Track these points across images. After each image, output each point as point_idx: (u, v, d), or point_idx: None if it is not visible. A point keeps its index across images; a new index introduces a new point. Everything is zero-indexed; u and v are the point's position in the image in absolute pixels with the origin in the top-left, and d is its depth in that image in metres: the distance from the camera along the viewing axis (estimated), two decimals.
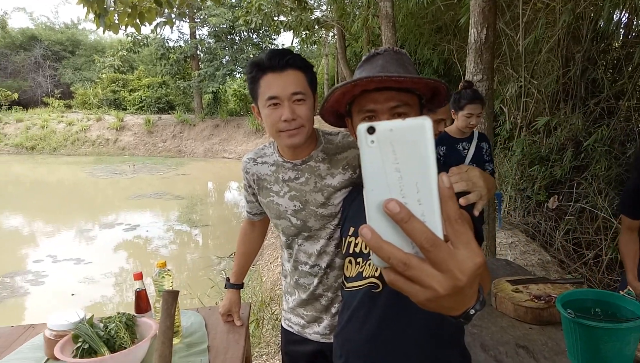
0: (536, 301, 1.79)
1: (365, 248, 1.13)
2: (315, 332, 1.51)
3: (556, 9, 4.63)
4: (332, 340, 1.45)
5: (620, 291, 1.50)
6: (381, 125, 0.43)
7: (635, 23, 4.67)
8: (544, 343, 1.60)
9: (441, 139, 2.60)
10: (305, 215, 1.41)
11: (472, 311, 0.50)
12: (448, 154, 2.60)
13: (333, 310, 1.48)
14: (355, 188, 1.37)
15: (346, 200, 1.36)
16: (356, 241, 1.17)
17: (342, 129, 1.31)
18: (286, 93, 1.25)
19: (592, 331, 1.34)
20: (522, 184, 5.27)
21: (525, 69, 5.34)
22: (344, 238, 1.24)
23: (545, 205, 4.81)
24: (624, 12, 4.66)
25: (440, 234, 0.43)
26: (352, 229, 1.21)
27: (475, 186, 0.96)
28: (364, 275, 1.11)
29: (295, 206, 1.42)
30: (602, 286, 3.70)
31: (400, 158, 0.43)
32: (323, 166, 1.39)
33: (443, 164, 2.48)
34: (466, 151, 2.63)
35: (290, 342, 1.59)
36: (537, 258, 3.86)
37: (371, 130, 0.43)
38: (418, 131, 0.42)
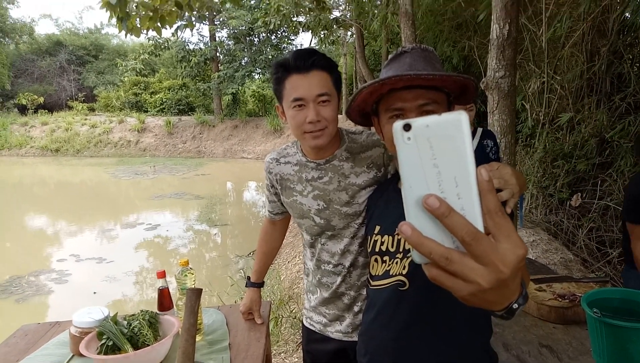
0: (560, 300, 1.76)
1: (392, 247, 1.12)
2: (338, 331, 1.51)
3: (581, 3, 4.52)
4: (354, 339, 1.45)
5: None
6: (417, 121, 0.44)
7: None
8: (568, 343, 1.57)
9: None
10: (329, 214, 1.41)
11: (516, 306, 0.50)
12: None
13: (355, 309, 1.48)
14: (380, 186, 1.36)
15: (371, 199, 1.35)
16: (382, 240, 1.16)
17: (367, 128, 1.32)
18: (312, 95, 1.25)
19: (619, 331, 1.31)
20: (544, 182, 5.17)
21: (548, 65, 5.24)
22: (369, 237, 1.23)
23: (568, 203, 4.71)
24: None
25: (480, 227, 0.42)
26: (378, 227, 1.20)
27: (507, 183, 0.94)
28: (391, 273, 1.11)
29: (319, 205, 1.42)
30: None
31: (437, 153, 0.43)
32: (347, 165, 1.39)
33: None
34: None
35: (312, 340, 1.59)
36: (559, 257, 3.79)
37: (407, 127, 0.44)
38: (455, 126, 0.43)
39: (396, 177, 1.22)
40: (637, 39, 4.81)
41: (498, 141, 3.10)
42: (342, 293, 1.48)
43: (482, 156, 2.56)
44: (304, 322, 1.64)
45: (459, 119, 0.42)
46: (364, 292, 1.47)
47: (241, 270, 6.01)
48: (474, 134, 2.59)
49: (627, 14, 4.57)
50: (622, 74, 4.63)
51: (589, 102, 4.85)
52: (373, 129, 1.24)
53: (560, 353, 1.51)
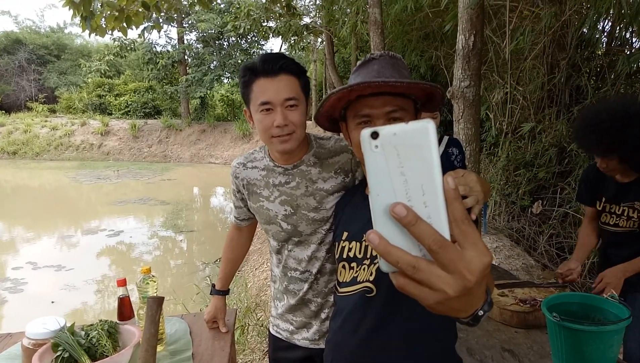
0: (522, 305, 1.80)
1: (360, 253, 1.12)
2: (305, 338, 1.49)
3: (542, 17, 4.70)
4: (320, 346, 1.44)
5: (604, 295, 1.51)
6: (385, 129, 0.43)
7: (617, 31, 4.76)
8: (529, 347, 1.61)
9: None
10: (296, 220, 1.40)
11: (481, 313, 0.50)
12: None
13: (322, 316, 1.47)
14: (348, 192, 1.35)
15: (338, 205, 1.35)
16: (350, 246, 1.15)
17: (335, 133, 1.32)
18: (279, 99, 1.24)
19: (577, 334, 1.34)
20: (507, 190, 5.32)
21: (511, 76, 5.41)
22: (337, 243, 1.22)
23: (529, 210, 4.87)
24: (607, 20, 4.76)
25: (447, 235, 0.43)
26: (345, 233, 1.19)
27: (473, 190, 0.95)
28: (358, 280, 1.10)
29: (286, 210, 1.40)
30: (585, 289, 3.73)
31: (404, 161, 0.43)
32: (315, 171, 1.38)
33: None
34: None
35: (279, 348, 1.57)
36: (521, 263, 3.90)
37: (375, 135, 0.43)
38: (422, 134, 0.43)
39: (364, 183, 1.22)
40: (593, 53, 5.03)
41: (463, 149, 3.15)
42: (309, 300, 1.47)
43: (448, 163, 2.55)
44: (271, 330, 1.61)
45: (426, 128, 0.43)
46: (331, 299, 1.46)
47: (207, 278, 5.90)
48: (440, 142, 2.60)
49: (584, 30, 4.78)
50: (580, 87, 4.83)
51: (550, 113, 5.04)
52: (341, 135, 1.24)
53: (522, 357, 1.55)
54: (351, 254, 1.14)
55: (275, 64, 1.24)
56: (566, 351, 1.39)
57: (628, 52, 4.48)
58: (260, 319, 3.99)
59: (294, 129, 1.27)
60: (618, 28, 4.69)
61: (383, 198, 0.44)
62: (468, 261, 0.42)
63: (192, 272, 6.28)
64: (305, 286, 1.45)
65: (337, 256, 1.21)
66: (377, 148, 0.44)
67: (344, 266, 1.16)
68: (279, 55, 1.27)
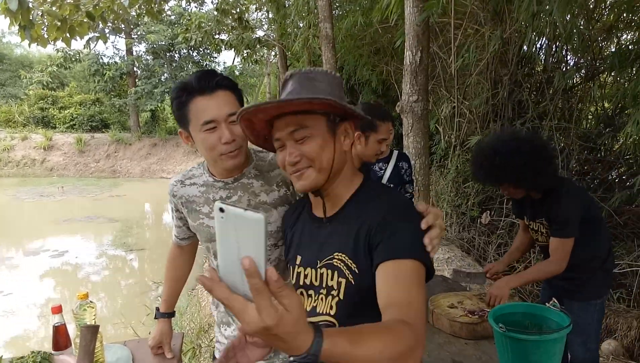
0: (470, 316, 1.83)
1: (316, 280, 1.08)
2: (267, 359, 1.44)
3: (485, 35, 4.92)
4: None
5: (546, 303, 1.56)
6: (229, 209, 0.58)
7: (554, 49, 5.05)
8: (479, 358, 1.63)
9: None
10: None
11: (310, 358, 0.63)
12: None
13: None
14: (293, 208, 1.31)
15: (286, 222, 1.29)
16: (305, 272, 1.12)
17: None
18: (222, 115, 1.22)
19: (521, 344, 1.38)
20: (457, 201, 5.48)
21: (457, 91, 5.61)
22: (291, 267, 1.17)
23: (478, 221, 5.02)
24: (544, 38, 5.04)
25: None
26: (299, 258, 1.15)
27: (436, 223, 1.00)
28: (317, 311, 1.06)
29: None
30: (532, 297, 3.88)
31: (240, 236, 0.58)
32: (257, 183, 1.37)
33: None
34: (383, 171, 2.56)
35: None
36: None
37: (222, 210, 0.59)
38: (256, 223, 0.56)
39: (308, 202, 1.19)
40: (533, 69, 5.31)
41: (413, 162, 3.22)
42: None
43: (398, 177, 2.60)
44: (217, 357, 1.55)
45: (259, 220, 0.56)
46: None
47: (159, 297, 5.68)
48: (390, 157, 2.64)
49: (525, 47, 5.04)
50: (521, 101, 5.07)
51: (495, 126, 5.25)
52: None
53: None
54: (307, 281, 1.11)
55: (211, 81, 1.22)
56: (513, 360, 1.42)
57: (564, 69, 4.76)
58: (213, 340, 3.86)
59: (241, 144, 1.27)
60: (554, 46, 4.98)
61: (224, 252, 0.61)
62: (252, 315, 0.58)
63: (143, 292, 6.03)
64: None
65: (293, 282, 1.16)
66: (223, 219, 0.59)
67: (301, 293, 1.12)
68: (213, 71, 1.25)
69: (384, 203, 1.02)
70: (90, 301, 1.48)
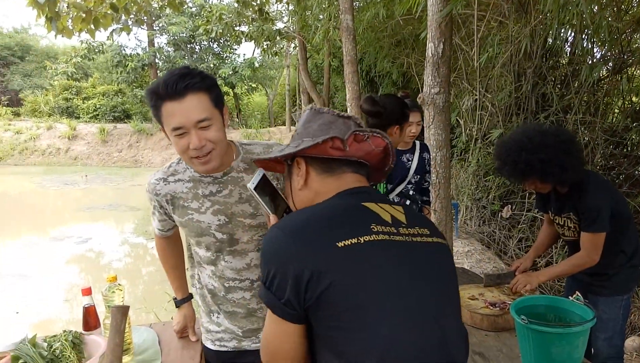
0: (491, 308, 1.83)
1: None
2: (256, 343, 1.47)
3: (509, 26, 4.84)
4: None
5: (569, 297, 1.55)
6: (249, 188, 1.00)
7: (579, 42, 4.94)
8: (499, 349, 1.64)
9: None
10: (231, 228, 1.36)
11: None
12: (394, 167, 2.63)
13: None
14: None
15: None
16: None
17: (260, 141, 1.48)
18: (191, 121, 1.18)
19: (544, 336, 1.38)
20: (477, 194, 5.43)
21: (480, 83, 5.54)
22: None
23: (499, 214, 4.97)
24: (570, 31, 4.93)
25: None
26: None
27: None
28: None
29: (219, 220, 1.36)
30: (553, 292, 3.84)
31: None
32: (247, 177, 1.35)
33: (388, 176, 2.54)
34: (410, 162, 2.68)
35: (225, 360, 1.52)
36: (492, 266, 3.97)
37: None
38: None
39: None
40: (558, 62, 5.20)
41: (434, 154, 3.24)
42: (253, 309, 1.44)
43: (421, 167, 2.72)
44: (210, 346, 1.54)
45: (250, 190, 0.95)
46: None
47: None
48: (414, 148, 2.75)
49: (549, 40, 4.94)
50: (545, 94, 4.98)
51: (517, 120, 5.17)
52: (267, 140, 1.26)
53: (492, 360, 1.57)
54: None
55: (179, 85, 1.15)
56: (534, 352, 1.41)
57: (590, 62, 4.65)
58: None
59: (212, 147, 1.22)
60: (581, 38, 4.86)
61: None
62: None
63: (164, 279, 6.08)
64: (248, 294, 1.42)
65: None
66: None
67: None
68: (183, 73, 1.18)
69: None
70: (119, 284, 1.53)
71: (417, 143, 2.76)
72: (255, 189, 0.98)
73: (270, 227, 0.90)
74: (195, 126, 1.19)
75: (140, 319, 4.58)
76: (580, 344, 1.40)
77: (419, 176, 2.69)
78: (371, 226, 0.84)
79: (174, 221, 1.47)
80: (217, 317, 1.50)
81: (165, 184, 1.38)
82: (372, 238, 0.82)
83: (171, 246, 1.62)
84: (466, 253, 4.18)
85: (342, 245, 0.79)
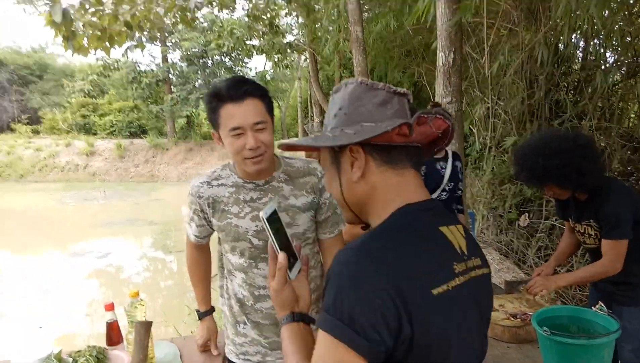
0: (512, 319, 1.81)
1: None
2: (280, 359, 1.48)
3: (519, 34, 4.82)
4: None
5: (592, 307, 1.53)
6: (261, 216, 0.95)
7: (591, 47, 4.90)
8: (522, 361, 1.62)
9: None
10: (267, 235, 1.39)
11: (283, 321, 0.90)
12: (428, 173, 2.69)
13: None
14: None
15: None
16: None
17: (300, 157, 1.52)
18: (248, 123, 1.29)
19: (568, 347, 1.36)
20: (493, 203, 5.37)
21: (492, 91, 5.51)
22: None
23: (516, 223, 4.92)
24: (580, 36, 4.90)
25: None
26: None
27: None
28: None
29: (257, 226, 1.41)
30: (575, 302, 3.77)
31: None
32: (287, 188, 1.43)
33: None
34: (444, 170, 2.74)
35: None
36: (510, 276, 3.92)
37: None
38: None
39: None
40: (570, 68, 5.16)
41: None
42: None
43: (455, 176, 2.78)
44: (234, 360, 1.56)
45: (263, 219, 0.94)
46: None
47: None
48: (446, 156, 2.80)
49: (560, 46, 4.91)
50: (559, 101, 4.94)
51: (531, 127, 5.13)
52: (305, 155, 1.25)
53: None
54: None
55: (240, 89, 1.28)
56: None
57: (603, 67, 4.61)
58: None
59: (265, 150, 1.33)
60: (592, 44, 4.83)
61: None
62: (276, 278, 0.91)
63: (182, 293, 6.19)
64: None
65: None
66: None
67: None
68: (243, 79, 1.33)
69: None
70: (141, 299, 1.56)
71: (450, 151, 2.82)
72: (267, 219, 0.92)
73: (347, 251, 0.75)
74: (252, 127, 1.30)
75: (160, 332, 4.61)
76: (605, 356, 1.38)
77: (452, 184, 2.76)
78: (454, 267, 0.78)
79: (210, 228, 1.53)
80: (244, 328, 1.52)
81: (208, 188, 1.45)
82: (456, 282, 0.77)
83: (203, 256, 1.68)
84: None
85: (437, 293, 0.73)
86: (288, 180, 1.44)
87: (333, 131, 0.85)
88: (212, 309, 1.71)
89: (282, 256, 0.90)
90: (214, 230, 1.54)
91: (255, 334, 1.50)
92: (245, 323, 1.51)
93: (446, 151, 2.80)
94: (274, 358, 1.49)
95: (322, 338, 0.71)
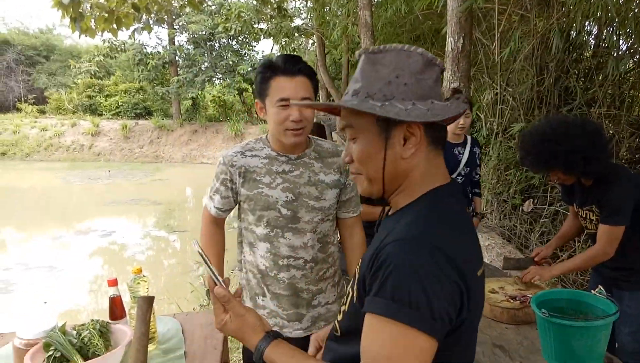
0: (511, 301, 1.82)
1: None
2: (298, 329, 1.52)
3: (530, 20, 4.75)
4: (314, 332, 1.49)
5: (592, 291, 1.54)
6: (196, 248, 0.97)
7: (604, 34, 4.82)
8: (520, 343, 1.63)
9: None
10: (296, 206, 1.47)
11: (260, 347, 0.88)
12: (445, 158, 2.68)
13: (314, 303, 1.51)
14: None
15: None
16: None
17: (329, 141, 1.62)
18: (297, 97, 1.38)
19: (565, 329, 1.37)
20: (498, 188, 5.36)
21: (500, 77, 5.45)
22: None
23: (520, 208, 4.91)
24: (593, 23, 4.82)
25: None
26: None
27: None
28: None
29: (287, 197, 1.47)
30: (576, 286, 3.78)
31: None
32: (317, 164, 1.52)
33: None
34: (461, 155, 2.80)
35: None
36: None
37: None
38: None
39: None
40: (581, 55, 5.09)
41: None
42: (300, 289, 1.51)
43: (472, 161, 2.84)
44: None
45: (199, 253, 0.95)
46: (323, 286, 1.53)
47: (201, 277, 5.88)
48: (465, 142, 2.85)
49: (572, 32, 4.83)
50: (568, 88, 4.88)
51: (539, 114, 5.08)
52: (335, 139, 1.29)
53: (512, 353, 1.57)
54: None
55: (295, 65, 1.39)
56: (555, 346, 1.41)
57: (615, 55, 4.54)
58: None
59: (306, 124, 1.43)
60: (605, 31, 4.75)
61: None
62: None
63: (185, 272, 6.25)
64: (298, 273, 1.49)
65: None
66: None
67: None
68: (298, 58, 1.43)
69: (395, 231, 0.78)
70: (144, 275, 1.57)
71: (469, 137, 2.87)
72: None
73: (407, 242, 0.73)
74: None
75: (163, 309, 4.68)
76: (602, 338, 1.39)
77: (468, 169, 2.82)
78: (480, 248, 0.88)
79: (234, 201, 1.57)
80: (262, 300, 1.56)
81: (242, 157, 1.51)
82: (482, 270, 0.85)
83: (219, 232, 1.69)
84: (486, 247, 4.14)
85: (479, 274, 0.81)
86: (318, 158, 1.53)
87: (391, 101, 0.78)
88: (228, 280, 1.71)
89: (220, 289, 0.93)
90: (236, 204, 1.59)
91: (274, 305, 1.54)
92: (264, 295, 1.56)
93: (465, 137, 2.85)
94: (290, 330, 1.53)
95: (383, 325, 0.70)
